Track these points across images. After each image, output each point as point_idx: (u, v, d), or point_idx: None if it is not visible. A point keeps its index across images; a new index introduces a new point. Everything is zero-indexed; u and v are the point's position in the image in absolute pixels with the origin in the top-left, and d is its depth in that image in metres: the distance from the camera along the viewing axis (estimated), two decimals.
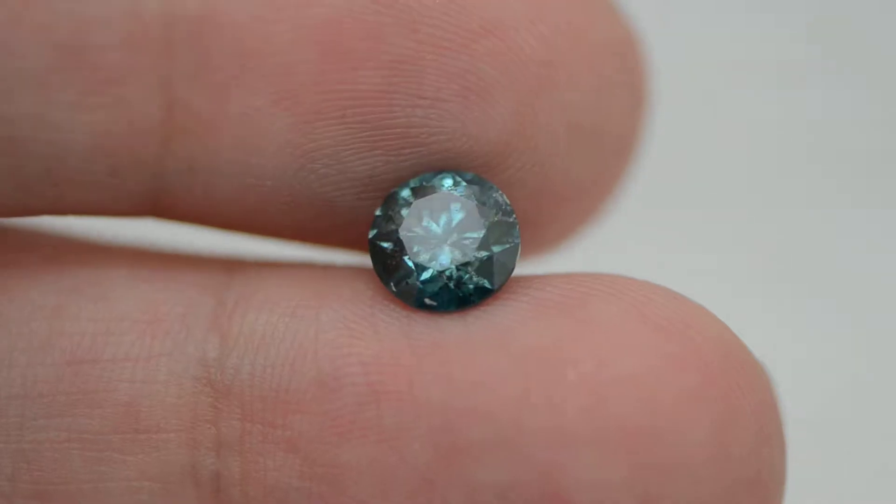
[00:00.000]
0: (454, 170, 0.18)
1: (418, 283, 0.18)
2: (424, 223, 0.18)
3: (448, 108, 0.18)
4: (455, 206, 0.18)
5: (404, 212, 0.18)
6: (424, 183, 0.18)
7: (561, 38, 0.18)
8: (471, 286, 0.18)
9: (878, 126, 0.42)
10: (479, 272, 0.18)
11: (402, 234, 0.18)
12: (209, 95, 0.17)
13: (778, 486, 0.18)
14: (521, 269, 0.18)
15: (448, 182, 0.18)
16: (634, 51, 0.19)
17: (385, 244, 0.18)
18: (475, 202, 0.18)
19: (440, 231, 0.18)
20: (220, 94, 0.17)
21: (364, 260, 0.19)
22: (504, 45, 0.18)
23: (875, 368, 0.38)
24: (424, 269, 0.18)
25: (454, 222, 0.18)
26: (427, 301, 0.18)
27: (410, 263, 0.18)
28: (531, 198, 0.19)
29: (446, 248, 0.18)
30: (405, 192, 0.18)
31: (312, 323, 0.18)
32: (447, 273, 0.18)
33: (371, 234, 0.18)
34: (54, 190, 0.18)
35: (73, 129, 0.17)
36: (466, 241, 0.18)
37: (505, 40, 0.18)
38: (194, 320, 0.18)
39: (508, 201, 0.18)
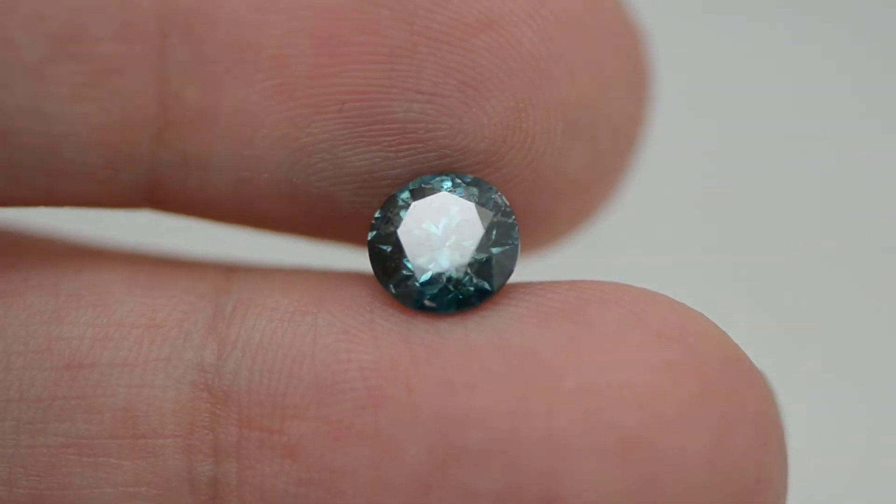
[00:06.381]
0: (452, 170, 0.18)
1: (417, 285, 0.18)
2: (423, 225, 0.18)
3: (446, 103, 0.18)
4: (454, 208, 0.18)
5: (403, 213, 0.18)
6: (423, 185, 0.18)
7: (560, 32, 0.18)
8: (470, 288, 0.18)
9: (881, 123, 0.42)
10: (478, 274, 0.18)
11: (402, 236, 0.18)
12: (204, 87, 0.17)
13: (778, 495, 0.18)
14: (522, 272, 0.18)
15: (447, 184, 0.18)
16: (637, 45, 0.19)
17: (384, 246, 0.18)
18: (474, 204, 0.18)
19: (439, 233, 0.18)
20: (215, 86, 0.17)
21: (362, 259, 0.19)
22: (502, 39, 0.18)
23: (872, 370, 0.38)
24: (424, 270, 0.18)
25: (453, 224, 0.18)
26: (426, 303, 0.18)
27: (410, 265, 0.18)
28: (528, 194, 0.18)
29: (445, 250, 0.18)
30: (404, 194, 0.18)
31: (310, 328, 0.18)
32: (446, 275, 0.18)
33: (370, 236, 0.18)
34: (48, 181, 0.18)
35: (68, 121, 0.17)
36: (466, 243, 0.18)
37: (503, 34, 0.18)
38: (192, 326, 0.18)
39: (508, 202, 0.18)
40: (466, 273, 0.18)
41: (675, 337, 0.17)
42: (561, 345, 0.17)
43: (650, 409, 0.17)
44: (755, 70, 0.43)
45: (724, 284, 0.37)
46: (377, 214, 0.18)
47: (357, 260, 0.20)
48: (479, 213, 0.18)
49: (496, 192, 0.18)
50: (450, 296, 0.18)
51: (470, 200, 0.18)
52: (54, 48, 0.17)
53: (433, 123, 0.18)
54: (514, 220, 0.18)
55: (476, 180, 0.18)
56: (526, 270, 0.19)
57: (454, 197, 0.18)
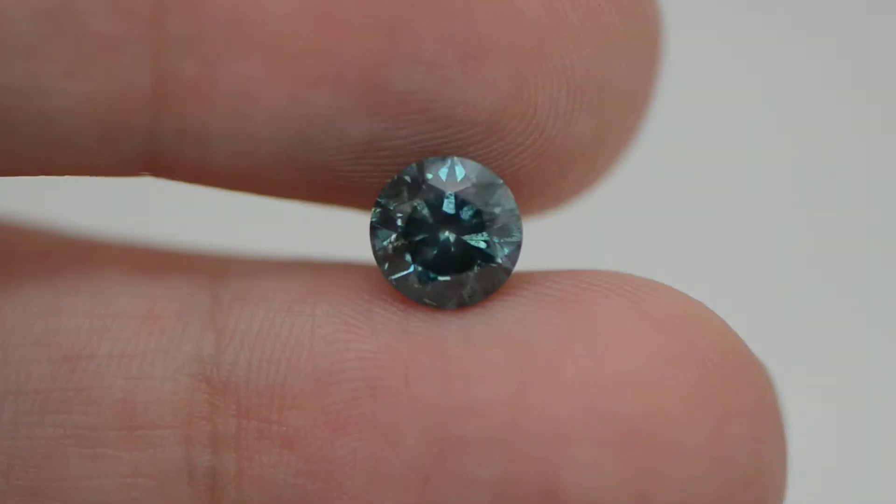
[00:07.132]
0: (457, 146, 0.18)
1: (418, 282, 0.18)
2: (426, 218, 0.18)
3: (447, 73, 0.17)
4: (458, 202, 0.18)
5: (406, 205, 0.18)
6: (428, 172, 0.18)
7: None
8: (472, 287, 0.18)
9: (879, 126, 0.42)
10: (479, 273, 0.18)
11: (405, 233, 0.18)
12: (200, 63, 0.17)
13: (777, 486, 0.18)
14: (523, 255, 0.18)
15: (452, 172, 0.18)
16: (646, 7, 0.19)
17: (386, 235, 0.18)
18: (478, 198, 0.18)
19: (442, 227, 0.18)
20: (212, 61, 0.17)
21: (361, 250, 0.19)
22: (504, 7, 0.17)
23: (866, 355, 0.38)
24: (425, 271, 0.18)
25: (456, 219, 0.18)
26: (427, 301, 0.18)
27: (411, 262, 0.18)
28: (532, 162, 0.18)
29: (448, 244, 0.18)
30: (408, 181, 0.18)
31: (309, 318, 0.18)
32: (448, 275, 0.18)
33: (372, 219, 0.18)
34: (45, 154, 0.17)
35: (63, 97, 0.17)
36: (468, 239, 0.18)
37: (505, 2, 0.17)
38: (190, 317, 0.18)
39: (512, 195, 0.18)
40: (468, 273, 0.18)
41: (675, 326, 0.17)
42: (560, 334, 0.17)
43: (649, 398, 0.17)
44: (758, 58, 0.43)
45: (724, 275, 0.37)
46: (380, 199, 0.18)
47: (356, 251, 0.20)
48: (483, 209, 0.18)
49: (502, 185, 0.18)
50: (450, 293, 0.18)
51: (474, 195, 0.18)
52: (47, 25, 0.17)
53: (433, 94, 0.17)
54: (519, 215, 0.18)
55: (481, 168, 0.18)
56: (527, 258, 0.18)
57: (458, 190, 0.18)
